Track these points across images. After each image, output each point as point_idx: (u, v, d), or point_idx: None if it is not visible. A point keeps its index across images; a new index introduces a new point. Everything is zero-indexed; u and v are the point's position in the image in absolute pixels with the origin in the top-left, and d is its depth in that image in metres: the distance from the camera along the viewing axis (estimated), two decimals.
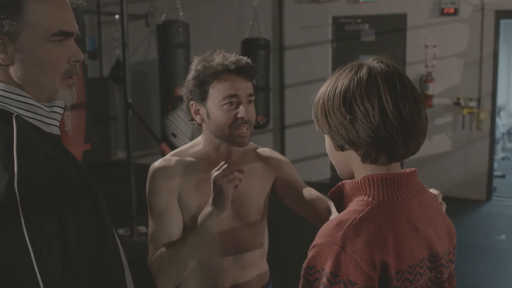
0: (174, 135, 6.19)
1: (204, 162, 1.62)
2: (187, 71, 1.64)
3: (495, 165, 6.60)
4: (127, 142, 4.80)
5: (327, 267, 0.94)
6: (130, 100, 4.78)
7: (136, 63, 7.58)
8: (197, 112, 1.61)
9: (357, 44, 6.44)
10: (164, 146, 4.93)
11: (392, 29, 6.29)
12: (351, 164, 1.07)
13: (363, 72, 1.03)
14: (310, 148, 6.67)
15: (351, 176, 1.09)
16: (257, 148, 1.76)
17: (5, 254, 0.90)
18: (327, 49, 6.62)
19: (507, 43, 9.55)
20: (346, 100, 1.02)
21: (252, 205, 1.66)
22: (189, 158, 1.63)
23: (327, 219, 1.46)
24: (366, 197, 1.03)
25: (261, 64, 6.15)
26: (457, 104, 6.01)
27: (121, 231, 4.84)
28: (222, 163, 1.47)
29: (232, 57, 1.57)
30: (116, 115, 8.25)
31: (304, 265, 0.99)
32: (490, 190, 6.08)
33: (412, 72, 6.06)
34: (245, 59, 1.59)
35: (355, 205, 1.03)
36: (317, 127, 1.10)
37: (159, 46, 6.36)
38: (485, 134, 6.01)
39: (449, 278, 1.15)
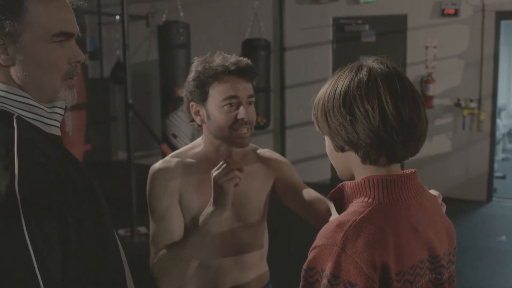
0: (175, 136, 6.20)
1: (204, 163, 1.62)
2: (187, 71, 1.64)
3: (496, 166, 6.60)
4: (127, 142, 4.80)
5: (328, 268, 0.95)
6: (130, 101, 4.78)
7: (137, 63, 7.58)
8: (197, 113, 1.61)
9: (358, 45, 6.44)
10: (165, 146, 4.93)
11: (392, 30, 6.29)
12: (351, 165, 1.08)
13: (363, 73, 1.03)
14: (310, 149, 6.68)
15: (351, 177, 1.09)
16: (257, 149, 1.76)
17: (6, 254, 0.91)
18: (328, 49, 6.62)
19: (508, 44, 9.55)
20: (346, 101, 1.02)
21: (252, 206, 1.66)
22: (189, 160, 1.63)
23: (326, 220, 1.47)
24: (366, 199, 1.03)
25: (261, 65, 6.16)
26: (458, 105, 6.01)
27: (121, 231, 4.84)
28: (222, 162, 1.48)
29: (232, 58, 1.57)
30: (117, 115, 8.26)
31: (305, 266, 0.99)
32: (490, 191, 6.07)
33: (413, 73, 6.06)
34: (245, 60, 1.59)
35: (355, 206, 1.03)
36: (317, 128, 1.10)
37: (160, 47, 6.36)
38: (485, 135, 6.01)
39: (449, 279, 1.15)
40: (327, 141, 1.10)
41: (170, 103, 6.15)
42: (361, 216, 0.99)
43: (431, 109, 6.05)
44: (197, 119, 1.62)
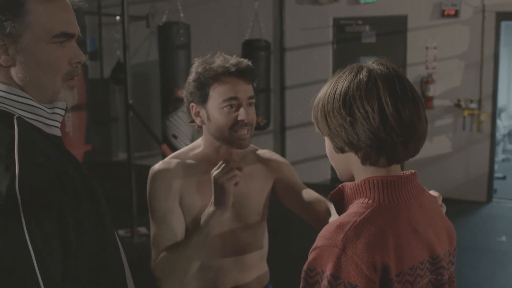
0: (175, 137, 6.20)
1: (204, 164, 1.62)
2: (187, 72, 1.65)
3: (496, 166, 6.60)
4: (127, 143, 4.80)
5: (328, 269, 0.95)
6: (130, 101, 4.78)
7: (137, 64, 7.58)
8: (197, 114, 1.61)
9: (358, 45, 6.44)
10: (165, 147, 4.93)
11: (392, 31, 6.29)
12: (351, 166, 1.08)
13: (363, 74, 1.03)
14: (310, 150, 6.68)
15: (351, 178, 1.09)
16: (257, 150, 1.76)
17: (6, 254, 0.91)
18: (328, 50, 6.62)
19: (508, 45, 9.54)
20: (346, 102, 1.02)
21: (252, 207, 1.66)
22: (189, 161, 1.63)
23: (326, 221, 1.47)
24: (367, 200, 1.03)
25: (261, 65, 6.16)
26: (458, 105, 6.01)
27: (121, 232, 4.84)
28: (221, 161, 1.48)
29: (233, 60, 1.57)
30: (117, 116, 8.26)
31: (305, 267, 0.99)
32: (490, 191, 6.07)
33: (413, 74, 6.06)
34: (245, 62, 1.59)
35: (356, 207, 1.03)
36: (317, 130, 1.10)
37: (160, 47, 6.36)
38: (485, 135, 6.01)
39: (449, 280, 1.15)
40: (327, 142, 1.10)
41: (170, 103, 6.15)
42: (361, 217, 0.99)
43: (431, 110, 6.05)
44: (197, 120, 1.62)
